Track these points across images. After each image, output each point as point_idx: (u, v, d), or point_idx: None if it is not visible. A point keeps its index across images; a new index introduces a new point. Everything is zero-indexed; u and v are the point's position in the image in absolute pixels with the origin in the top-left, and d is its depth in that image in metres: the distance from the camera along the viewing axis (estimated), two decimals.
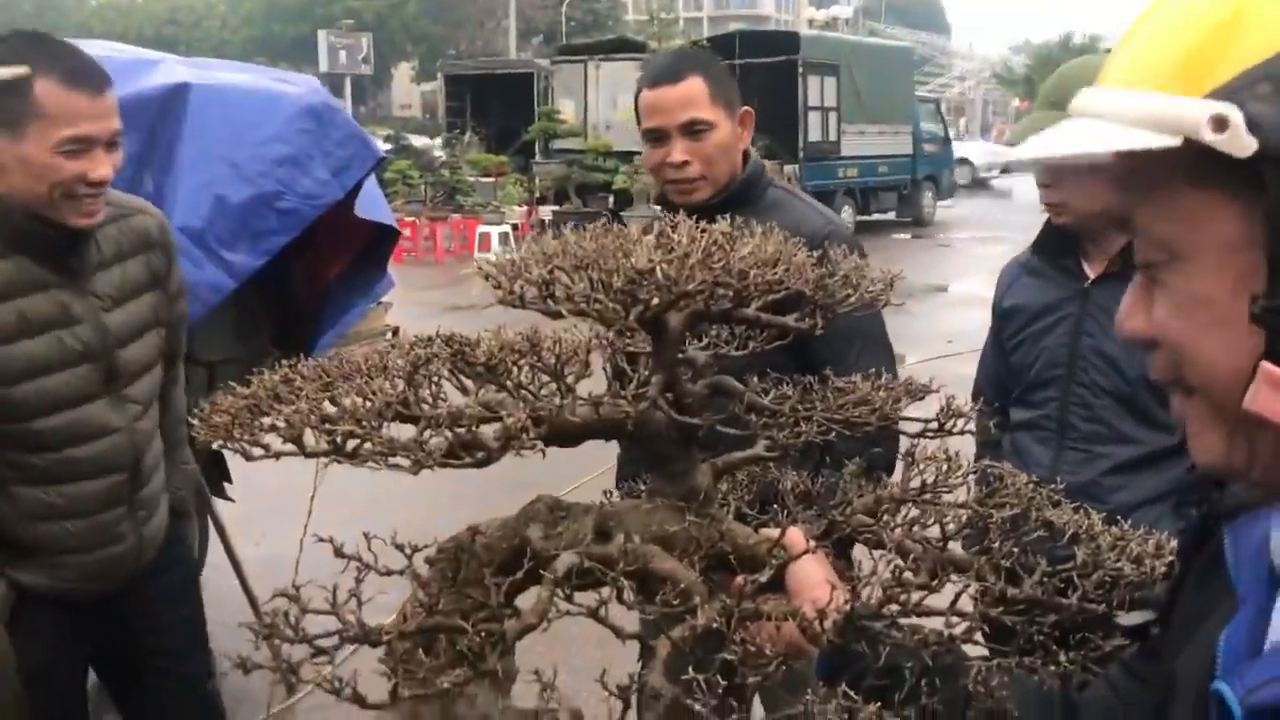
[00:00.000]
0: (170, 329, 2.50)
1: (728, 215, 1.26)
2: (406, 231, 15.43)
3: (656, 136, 2.44)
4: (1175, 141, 0.71)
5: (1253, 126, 0.69)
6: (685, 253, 1.13)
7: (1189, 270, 0.76)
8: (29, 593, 2.28)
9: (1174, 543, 1.20)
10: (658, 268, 1.13)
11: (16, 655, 2.22)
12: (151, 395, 2.43)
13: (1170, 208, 0.76)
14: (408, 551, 1.23)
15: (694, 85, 2.40)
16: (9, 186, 2.12)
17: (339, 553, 1.22)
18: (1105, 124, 0.76)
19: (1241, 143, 0.69)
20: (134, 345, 2.34)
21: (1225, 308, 0.74)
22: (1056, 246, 2.46)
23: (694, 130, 2.39)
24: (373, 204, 4.32)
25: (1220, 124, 0.69)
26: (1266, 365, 0.71)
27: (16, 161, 2.09)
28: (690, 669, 0.98)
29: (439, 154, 21.89)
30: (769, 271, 1.14)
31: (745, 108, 2.49)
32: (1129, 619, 0.97)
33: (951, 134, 27.06)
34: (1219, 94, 0.70)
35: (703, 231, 1.19)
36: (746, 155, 2.50)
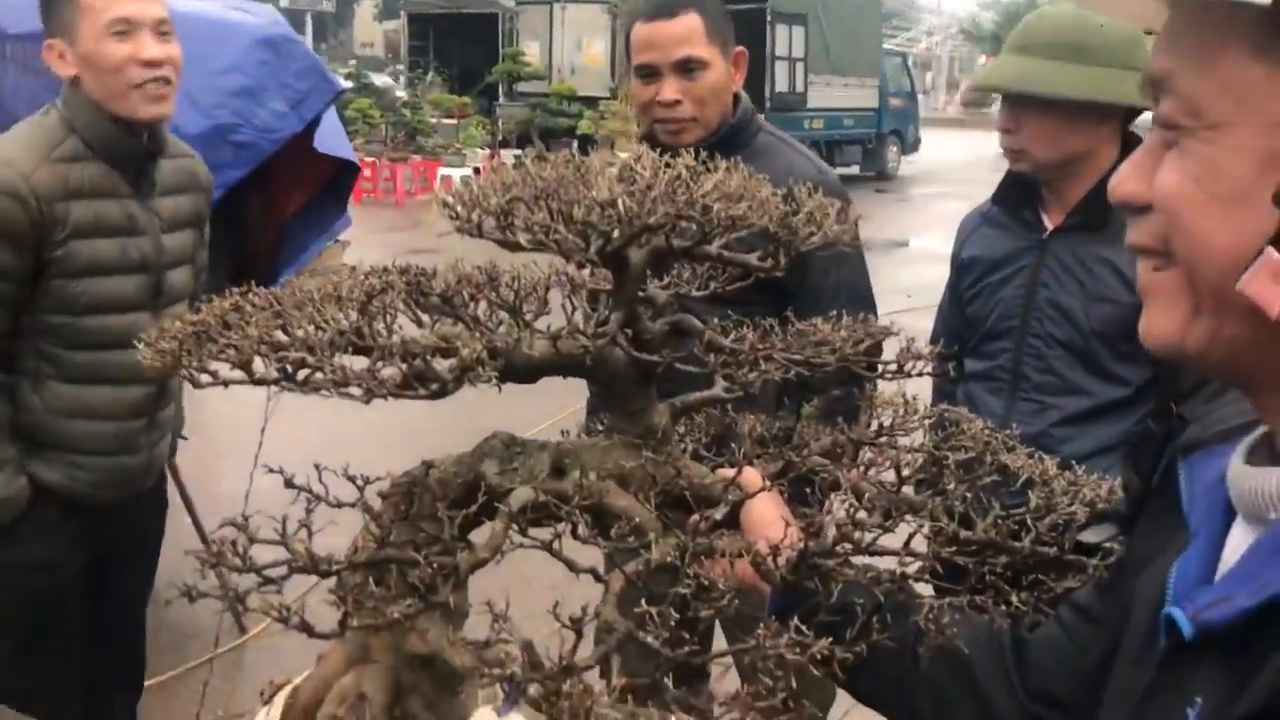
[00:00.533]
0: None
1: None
2: (367, 172, 15.24)
3: (648, 73, 2.38)
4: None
5: None
6: (648, 185, 1.11)
7: (1218, 139, 0.72)
8: (44, 490, 2.39)
9: (1119, 489, 1.21)
10: (619, 200, 1.11)
11: (24, 550, 2.35)
12: None
13: (1220, 74, 0.71)
14: (360, 484, 1.21)
15: (690, 21, 2.33)
16: (86, 96, 2.33)
17: (289, 484, 1.20)
18: None
19: None
20: (178, 270, 2.52)
21: (1245, 184, 0.70)
22: (1016, 197, 2.46)
23: (688, 69, 2.33)
24: (333, 138, 4.25)
25: None
26: (1272, 250, 0.69)
27: (81, 62, 2.32)
28: (644, 602, 0.98)
29: (400, 94, 21.55)
30: (733, 206, 1.12)
31: (740, 48, 2.43)
32: (1089, 535, 0.98)
33: (918, 89, 27.02)
34: None
35: (666, 165, 1.17)
36: (737, 98, 2.46)
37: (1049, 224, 2.35)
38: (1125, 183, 0.79)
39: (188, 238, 2.59)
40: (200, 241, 2.67)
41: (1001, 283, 2.42)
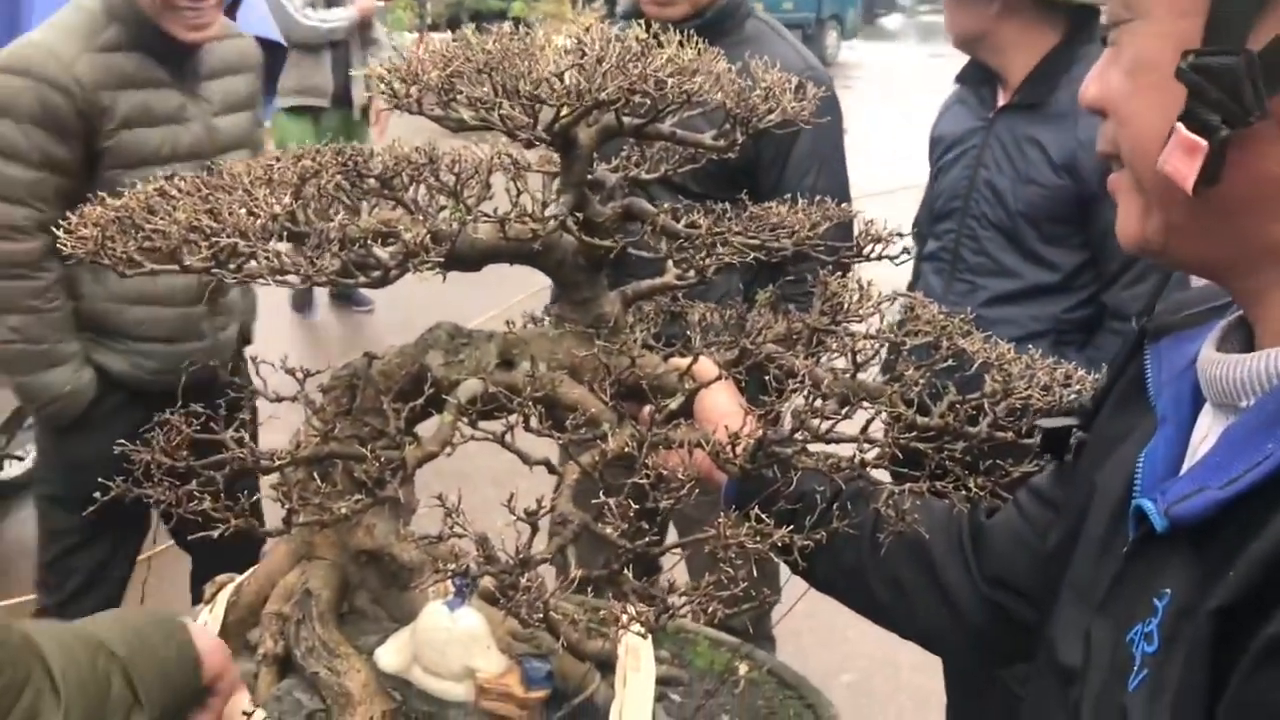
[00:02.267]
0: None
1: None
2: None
3: None
4: None
5: None
6: (598, 58, 1.05)
7: (1143, 29, 0.73)
8: (111, 380, 2.41)
9: (1081, 372, 1.20)
10: (568, 74, 1.05)
11: (91, 438, 2.33)
12: None
13: None
14: (299, 377, 1.16)
15: None
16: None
17: (226, 380, 1.15)
18: None
19: None
20: (234, 155, 2.44)
21: (1165, 68, 0.70)
22: (978, 75, 2.43)
23: None
24: (257, 20, 4.04)
25: None
26: (1179, 126, 0.69)
27: None
28: (600, 494, 0.95)
29: None
30: (687, 81, 1.06)
31: None
32: (1050, 423, 0.96)
33: None
34: None
35: (617, 38, 1.10)
36: None
37: (1000, 102, 2.33)
38: (1088, 88, 0.79)
39: (243, 120, 2.55)
40: (257, 122, 2.65)
41: (953, 162, 2.42)
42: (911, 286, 2.55)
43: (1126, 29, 0.74)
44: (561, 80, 1.03)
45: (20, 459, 4.11)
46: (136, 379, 2.42)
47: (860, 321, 1.32)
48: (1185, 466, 0.75)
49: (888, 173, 7.35)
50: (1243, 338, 0.75)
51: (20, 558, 3.78)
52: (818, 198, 1.28)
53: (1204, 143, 0.68)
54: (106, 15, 2.29)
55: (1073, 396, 1.14)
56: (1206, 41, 0.68)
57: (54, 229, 2.23)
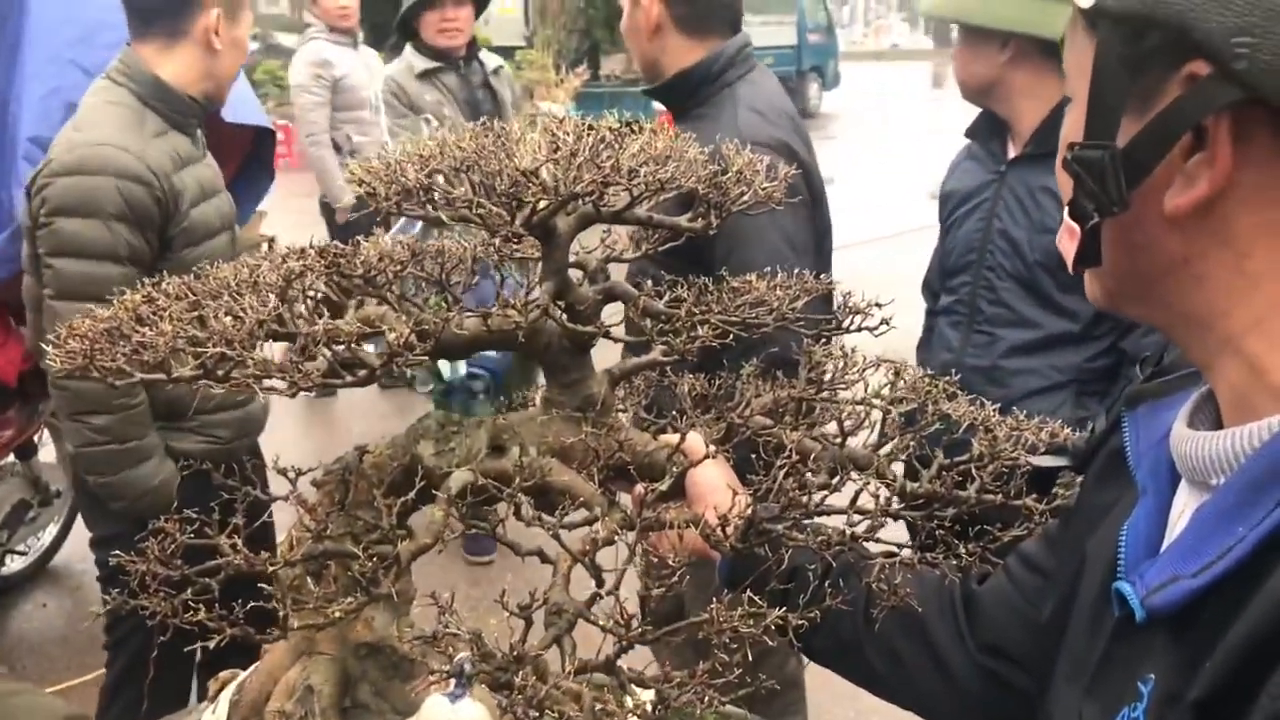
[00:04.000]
0: None
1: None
2: (281, 136, 14.77)
3: None
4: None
5: None
6: (572, 151, 1.07)
7: (1070, 111, 0.77)
8: (188, 461, 2.35)
9: (1067, 430, 1.21)
10: (544, 169, 1.07)
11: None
12: None
13: (1071, 54, 0.77)
14: (291, 475, 1.17)
15: None
16: (209, 69, 2.40)
17: (216, 480, 1.16)
18: None
19: None
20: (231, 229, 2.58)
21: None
22: (987, 129, 2.45)
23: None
24: (244, 105, 4.10)
25: None
26: (1066, 211, 0.75)
27: (231, 43, 2.40)
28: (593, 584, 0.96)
29: None
30: (660, 170, 1.08)
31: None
32: (1042, 461, 0.97)
33: (835, 23, 26.90)
34: None
35: (590, 128, 1.13)
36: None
37: (1011, 154, 2.35)
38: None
39: (223, 201, 2.64)
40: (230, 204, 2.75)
41: (966, 216, 2.42)
42: (924, 343, 2.56)
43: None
44: (537, 176, 1.06)
45: (23, 554, 4.10)
46: (211, 453, 2.38)
47: (846, 389, 1.33)
48: (1164, 540, 0.76)
49: (870, 221, 7.42)
50: (1214, 412, 0.76)
51: (26, 653, 3.77)
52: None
53: (1077, 228, 0.74)
54: (136, 106, 2.34)
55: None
56: (1087, 135, 0.72)
57: None
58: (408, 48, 4.39)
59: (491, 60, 4.56)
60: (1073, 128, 0.74)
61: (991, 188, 2.37)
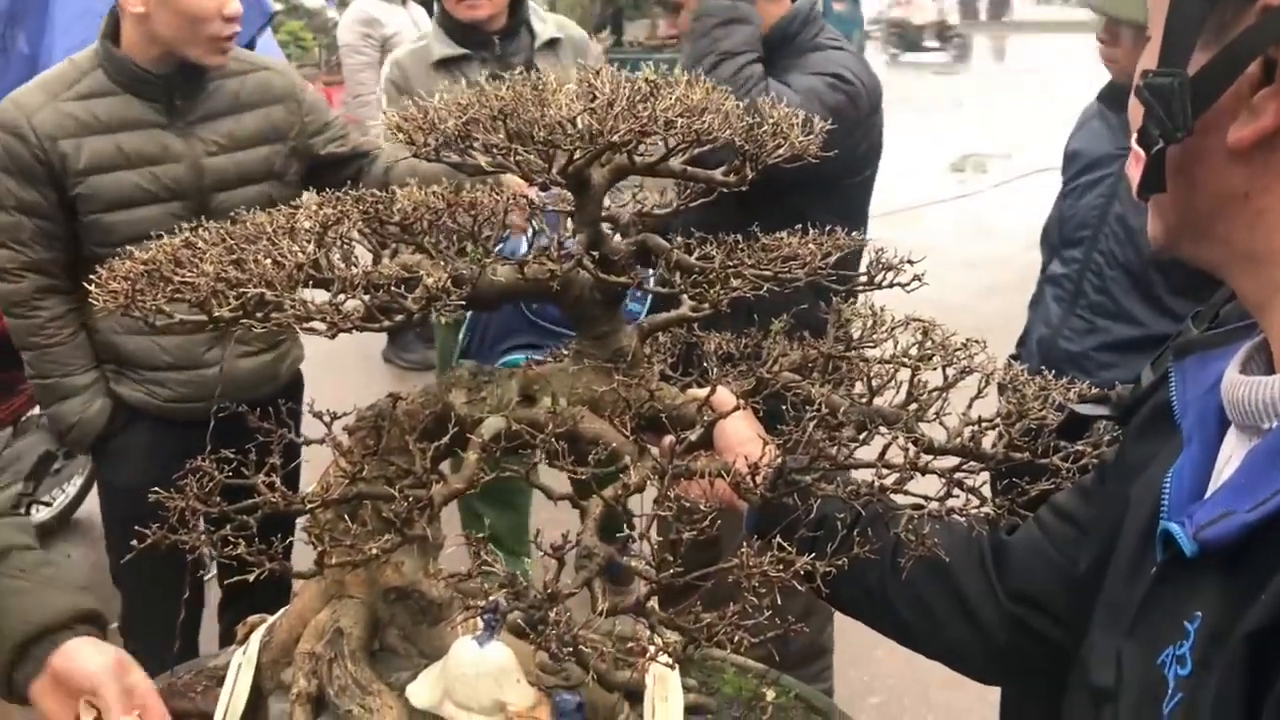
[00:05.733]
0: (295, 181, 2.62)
1: None
2: None
3: None
4: None
5: None
6: (609, 101, 1.08)
7: (1148, 44, 0.78)
8: (129, 408, 2.50)
9: (1095, 391, 1.21)
10: (580, 118, 1.08)
11: (123, 467, 2.49)
12: None
13: None
14: (327, 420, 1.19)
15: None
16: (142, 32, 2.31)
17: (253, 422, 1.18)
18: None
19: None
20: (236, 191, 2.47)
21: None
22: (1119, 99, 2.38)
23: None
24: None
25: None
26: (1134, 138, 0.76)
27: (160, 4, 2.27)
28: (625, 527, 0.97)
29: (332, 15, 20.87)
30: (696, 120, 1.09)
31: None
32: (1084, 408, 0.98)
33: None
34: None
35: (626, 80, 1.13)
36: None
37: None
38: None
39: (256, 157, 2.53)
40: (281, 153, 2.59)
41: (1089, 186, 2.33)
42: (1035, 301, 2.49)
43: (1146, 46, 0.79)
44: (574, 124, 1.06)
45: (48, 504, 4.16)
46: (154, 406, 2.50)
47: (875, 347, 1.33)
48: (1210, 489, 0.76)
49: (890, 195, 7.38)
50: (1266, 359, 0.77)
51: None
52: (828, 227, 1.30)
53: (1143, 154, 0.75)
54: (91, 63, 2.36)
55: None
56: (1160, 63, 0.73)
57: (48, 268, 2.36)
58: (433, 21, 3.29)
59: (547, 28, 3.23)
60: (1148, 57, 0.75)
61: (1118, 162, 2.26)
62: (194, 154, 2.44)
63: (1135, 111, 0.76)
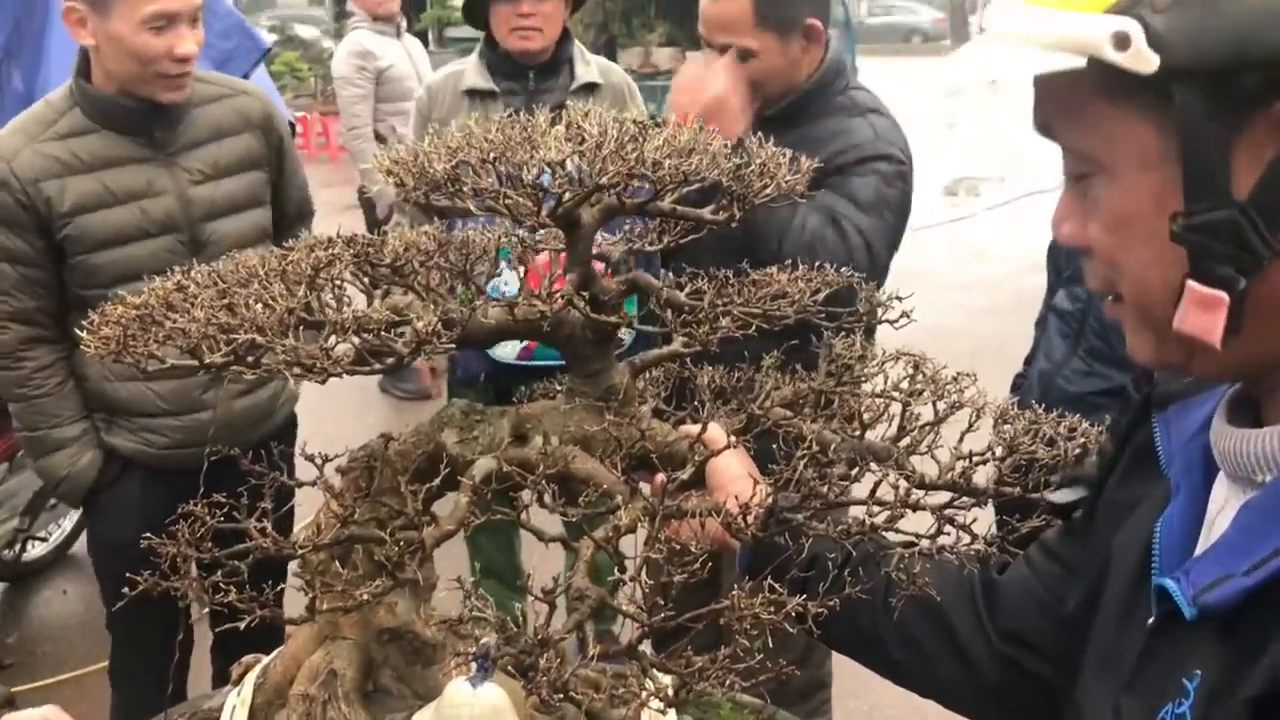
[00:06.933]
0: (280, 205, 2.58)
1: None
2: (299, 127, 14.84)
3: (706, 43, 2.31)
4: (1080, 62, 0.68)
5: (1154, 42, 0.66)
6: (597, 144, 1.09)
7: (1111, 185, 0.73)
8: (121, 458, 2.41)
9: (1085, 425, 1.22)
10: (569, 160, 1.08)
11: (116, 521, 2.37)
12: None
13: (1088, 123, 0.73)
14: (318, 462, 1.19)
15: (737, 6, 2.21)
16: (101, 67, 2.25)
17: (245, 466, 1.18)
18: (1014, 45, 0.74)
19: (1144, 59, 0.66)
20: (225, 220, 2.42)
21: (1149, 223, 0.71)
22: None
23: (735, 53, 2.23)
24: None
25: (1122, 41, 0.66)
26: (1192, 283, 0.70)
27: (107, 40, 2.20)
28: (615, 570, 0.97)
29: (328, 45, 21.01)
30: (684, 162, 1.10)
31: (812, 20, 2.26)
32: (1060, 496, 0.97)
33: (851, 18, 26.74)
34: (1119, 8, 0.67)
35: (615, 121, 1.14)
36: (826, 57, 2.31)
37: None
38: (1063, 224, 0.80)
39: (240, 183, 2.47)
40: (265, 179, 2.54)
41: None
42: (1040, 321, 2.47)
43: (1095, 181, 0.75)
44: (563, 167, 1.07)
45: (44, 540, 4.15)
46: (148, 455, 2.41)
47: (866, 382, 1.34)
48: (1202, 536, 0.76)
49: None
50: (1251, 409, 0.76)
51: (46, 639, 3.81)
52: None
53: (1225, 296, 0.68)
54: (67, 102, 2.29)
55: (1077, 450, 1.16)
56: (1189, 199, 0.68)
57: (34, 317, 2.28)
58: (476, 49, 3.18)
59: (588, 70, 3.11)
60: (1129, 198, 0.71)
61: None
62: (179, 185, 2.37)
63: (1160, 248, 0.71)
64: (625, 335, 2.33)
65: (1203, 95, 0.66)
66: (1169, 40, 0.66)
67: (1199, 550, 0.76)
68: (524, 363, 2.62)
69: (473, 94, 3.05)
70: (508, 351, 2.62)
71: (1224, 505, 0.75)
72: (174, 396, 2.40)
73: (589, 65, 3.12)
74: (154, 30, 2.18)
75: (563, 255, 1.26)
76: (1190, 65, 0.65)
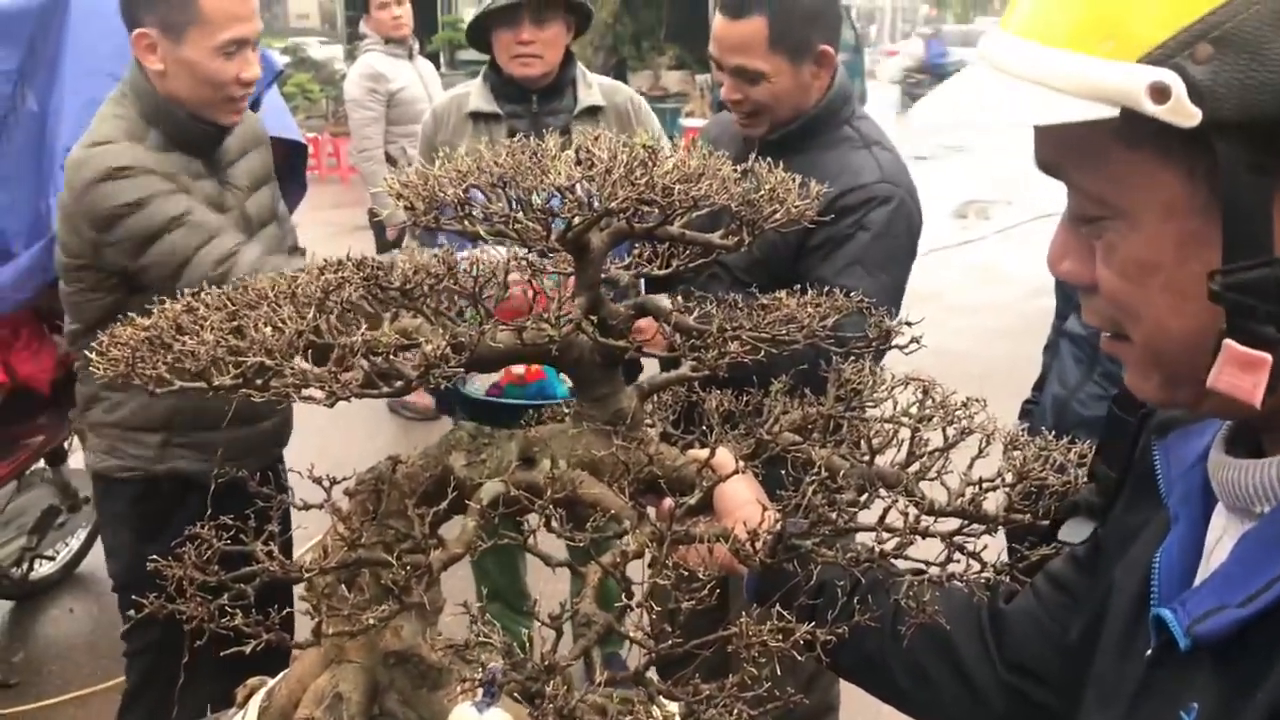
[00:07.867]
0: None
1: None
2: (310, 148, 14.85)
3: (717, 64, 2.32)
4: (1112, 113, 0.65)
5: (1195, 94, 0.63)
6: (607, 169, 1.09)
7: (1129, 230, 0.70)
8: (190, 482, 2.41)
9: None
10: (578, 185, 1.09)
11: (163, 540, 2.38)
12: None
13: (1105, 168, 0.70)
14: (326, 484, 1.19)
15: (753, 27, 2.21)
16: (168, 90, 2.31)
17: (253, 488, 1.18)
18: (1030, 87, 0.69)
19: (1186, 112, 0.63)
20: (264, 231, 2.52)
21: (1172, 273, 0.69)
22: None
23: (746, 75, 2.25)
24: (277, 120, 4.14)
25: (1161, 94, 0.63)
26: (1231, 344, 0.67)
27: (178, 65, 2.28)
28: (622, 596, 0.96)
29: (340, 67, 21.15)
30: (693, 187, 1.10)
31: (825, 46, 2.26)
32: (1072, 534, 0.96)
33: (863, 43, 26.88)
34: (1155, 58, 0.64)
35: (625, 146, 1.14)
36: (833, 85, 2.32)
37: None
38: (1062, 262, 0.77)
39: (265, 195, 2.58)
40: (277, 194, 2.66)
41: None
42: (1050, 346, 2.46)
43: (1108, 225, 0.72)
44: (573, 191, 1.07)
45: (51, 559, 4.15)
46: (209, 473, 2.41)
47: (875, 407, 1.33)
48: (1201, 566, 0.76)
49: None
50: (1250, 440, 0.76)
51: (53, 658, 3.80)
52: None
53: (1268, 357, 0.66)
54: (143, 120, 2.34)
55: (1087, 479, 1.15)
56: (1228, 255, 0.66)
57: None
58: (481, 72, 3.19)
59: (590, 93, 3.11)
60: (1151, 247, 0.69)
61: None
62: (238, 202, 2.48)
63: (1184, 298, 0.69)
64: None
65: (1248, 148, 0.63)
66: (1213, 93, 0.62)
67: (1197, 581, 0.75)
68: (494, 399, 2.64)
69: (477, 116, 3.07)
70: (477, 387, 2.66)
71: (1222, 535, 0.75)
72: (241, 404, 2.45)
73: (591, 88, 3.13)
74: (226, 56, 2.27)
75: (571, 279, 1.26)
76: (1237, 119, 0.63)
